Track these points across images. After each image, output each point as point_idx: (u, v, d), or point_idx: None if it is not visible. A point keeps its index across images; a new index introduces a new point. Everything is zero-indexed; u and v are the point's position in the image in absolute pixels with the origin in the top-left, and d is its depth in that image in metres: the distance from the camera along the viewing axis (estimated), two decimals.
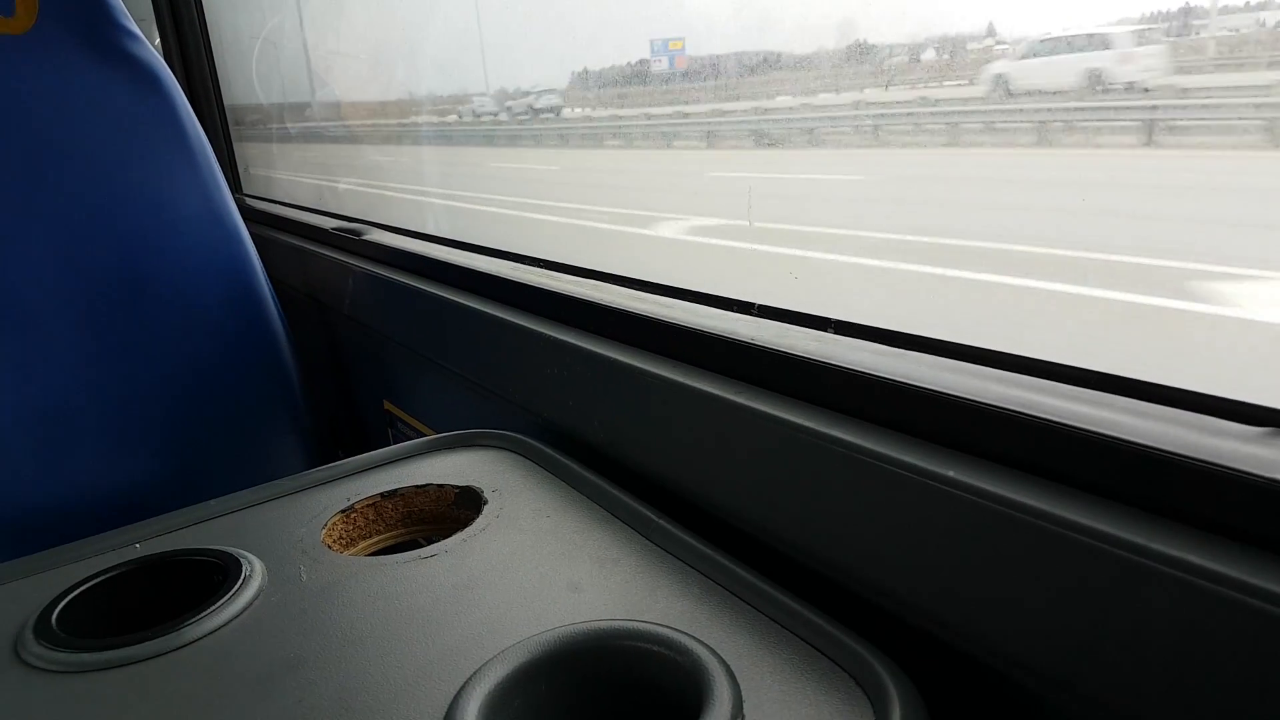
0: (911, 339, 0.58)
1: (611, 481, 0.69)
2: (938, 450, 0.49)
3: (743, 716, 0.42)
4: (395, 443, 0.85)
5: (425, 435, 1.13)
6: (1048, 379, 0.48)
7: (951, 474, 0.46)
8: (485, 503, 0.69)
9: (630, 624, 0.49)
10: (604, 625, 0.49)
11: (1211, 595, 0.35)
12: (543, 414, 0.85)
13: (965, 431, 0.48)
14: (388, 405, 1.25)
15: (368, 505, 0.72)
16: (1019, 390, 0.48)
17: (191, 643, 0.54)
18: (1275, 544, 0.36)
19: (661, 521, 0.62)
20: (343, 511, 0.71)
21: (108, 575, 0.63)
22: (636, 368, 0.70)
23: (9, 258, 1.20)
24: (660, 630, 0.48)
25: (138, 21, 1.30)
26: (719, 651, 0.46)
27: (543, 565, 0.59)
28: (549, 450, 0.76)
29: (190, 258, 1.30)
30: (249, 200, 1.83)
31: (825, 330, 0.64)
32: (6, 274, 1.20)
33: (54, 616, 0.58)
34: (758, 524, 0.60)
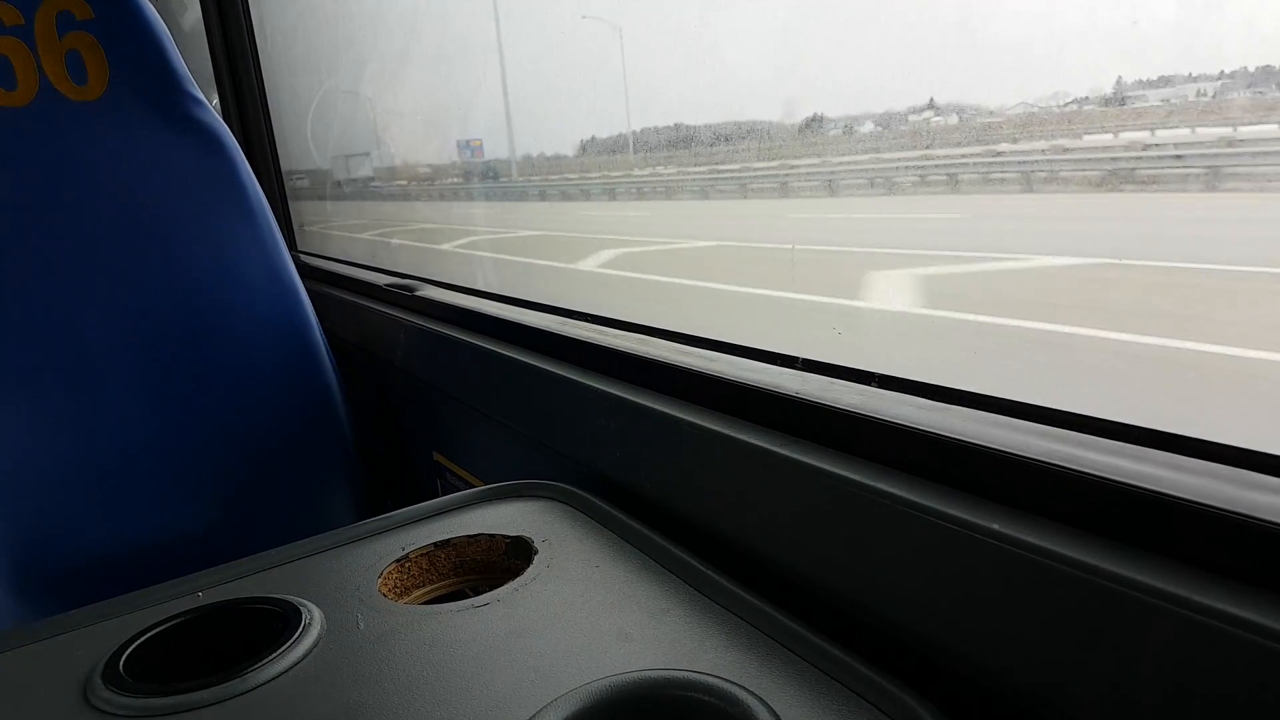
0: (954, 393, 0.59)
1: (660, 532, 0.70)
2: (982, 503, 0.50)
3: None
4: (444, 493, 0.87)
5: (474, 486, 1.15)
6: (1089, 433, 0.49)
7: (996, 527, 0.47)
8: (536, 553, 0.71)
9: (680, 673, 0.50)
10: (654, 674, 0.50)
11: (1252, 646, 0.35)
12: (591, 466, 0.87)
13: (1009, 485, 0.49)
14: (437, 456, 1.28)
15: (421, 555, 0.74)
16: (1061, 445, 0.48)
17: (254, 689, 0.56)
18: None
19: (710, 572, 0.63)
20: (398, 561, 0.73)
21: (172, 622, 0.66)
22: (684, 420, 0.72)
23: (76, 314, 1.26)
24: (710, 680, 0.49)
25: (199, 84, 1.38)
26: (769, 701, 0.46)
27: (593, 615, 0.60)
28: (598, 501, 0.78)
29: (248, 313, 1.35)
30: (304, 257, 1.89)
31: (869, 384, 0.65)
32: (72, 329, 1.26)
33: (121, 662, 0.60)
34: (805, 575, 0.61)
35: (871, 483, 0.55)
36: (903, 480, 0.54)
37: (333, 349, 1.43)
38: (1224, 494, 0.40)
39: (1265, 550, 0.38)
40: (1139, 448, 0.46)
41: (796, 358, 0.72)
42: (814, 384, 0.66)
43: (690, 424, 0.71)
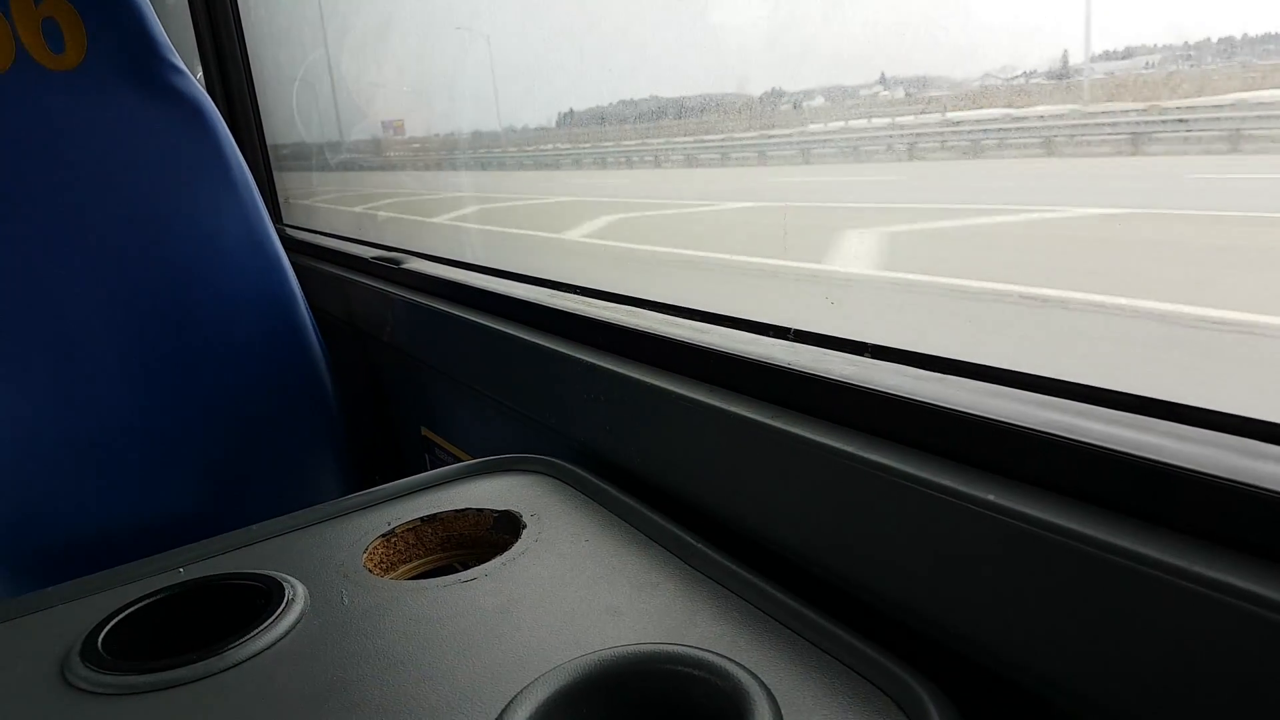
0: (949, 363, 0.58)
1: (649, 505, 0.69)
2: (977, 474, 0.49)
3: None
4: (432, 468, 0.86)
5: (461, 459, 1.14)
6: (1088, 403, 0.48)
7: (992, 498, 0.46)
8: (524, 527, 0.70)
9: (670, 648, 0.49)
10: (644, 649, 0.49)
11: (1253, 617, 0.35)
12: (580, 439, 0.86)
13: (1005, 455, 0.48)
14: (425, 431, 1.26)
15: (408, 530, 0.73)
16: (1059, 414, 0.47)
17: (236, 665, 0.55)
18: None
19: (700, 545, 0.62)
20: (383, 536, 0.72)
21: (153, 599, 0.64)
22: (673, 392, 0.71)
23: (56, 288, 1.24)
24: (701, 654, 0.48)
25: (182, 55, 1.35)
26: (760, 675, 0.46)
27: (582, 589, 0.59)
28: (586, 475, 0.77)
29: (233, 287, 1.33)
30: (289, 230, 1.87)
31: (862, 354, 0.64)
32: (54, 304, 1.24)
33: (100, 640, 0.59)
34: (796, 548, 0.60)
35: (865, 454, 0.54)
36: (897, 452, 0.53)
37: (319, 323, 1.41)
38: (1228, 463, 0.39)
39: (1270, 521, 0.37)
40: (1140, 417, 0.45)
41: (788, 329, 0.71)
42: (806, 355, 0.65)
43: (681, 396, 0.70)
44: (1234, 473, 0.39)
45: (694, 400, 0.68)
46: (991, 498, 0.46)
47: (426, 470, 0.84)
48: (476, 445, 1.13)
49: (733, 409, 0.65)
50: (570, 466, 0.79)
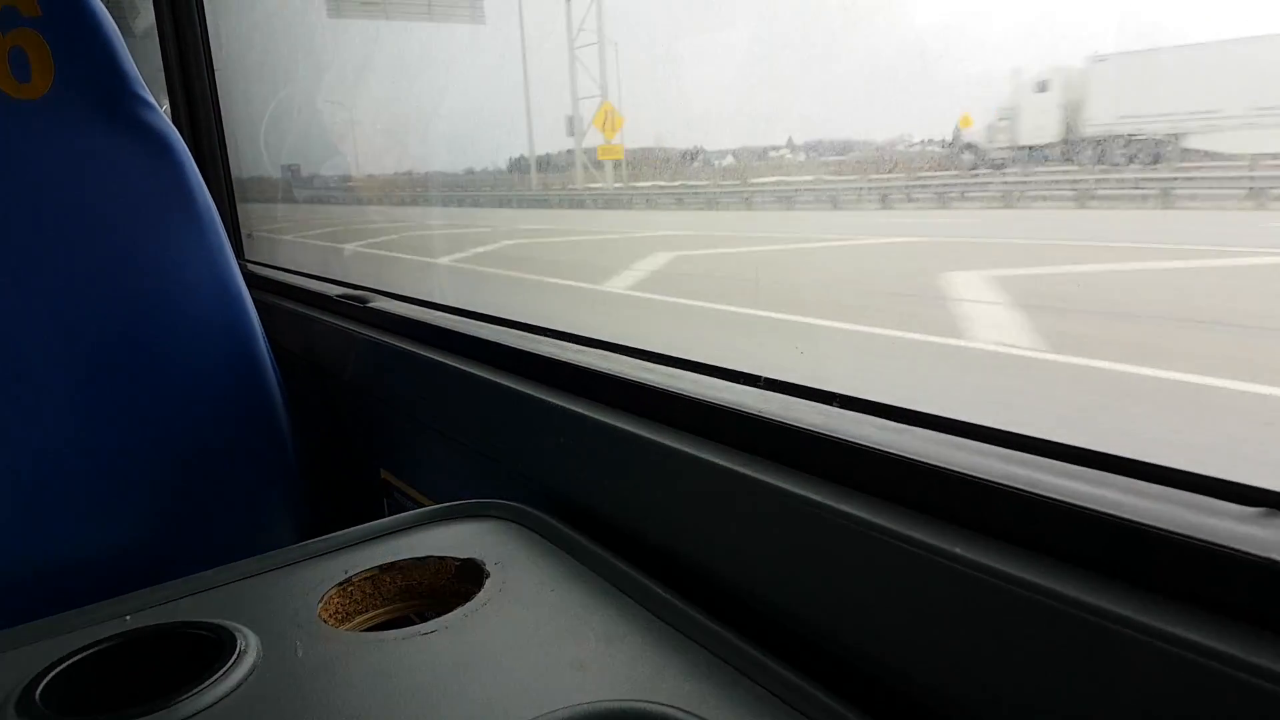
0: (914, 414, 0.59)
1: (617, 554, 0.68)
2: (943, 526, 0.49)
3: None
4: (392, 513, 0.84)
5: (422, 504, 1.12)
6: (1048, 457, 0.49)
7: (958, 550, 0.46)
8: (487, 576, 0.68)
9: (637, 704, 0.48)
10: (610, 706, 0.48)
11: (1214, 674, 0.35)
12: (547, 484, 0.85)
13: (970, 508, 0.48)
14: (385, 475, 1.24)
15: (365, 578, 0.71)
16: (1021, 468, 0.48)
17: None
18: (1272, 623, 0.36)
19: (669, 596, 0.61)
20: (339, 585, 0.70)
21: (96, 648, 0.62)
22: (643, 438, 0.70)
23: (6, 318, 1.20)
24: (668, 711, 0.47)
25: (151, 87, 1.34)
26: None
27: (546, 642, 0.58)
28: (553, 521, 0.76)
29: (191, 323, 1.30)
30: (252, 266, 1.84)
31: (830, 404, 0.64)
32: (3, 331, 1.20)
33: (38, 692, 0.56)
34: (766, 599, 0.60)
35: (834, 504, 0.54)
36: (864, 502, 0.53)
37: (280, 361, 1.39)
38: (1184, 520, 0.40)
39: (1226, 577, 0.38)
40: (1098, 472, 0.46)
41: (759, 376, 0.71)
42: (776, 403, 0.65)
43: (650, 442, 0.70)
44: (1189, 528, 0.39)
45: (665, 446, 0.68)
46: (958, 550, 0.46)
47: (385, 514, 0.83)
48: (439, 489, 1.11)
49: (704, 456, 0.64)
50: (536, 513, 0.78)
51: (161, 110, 1.33)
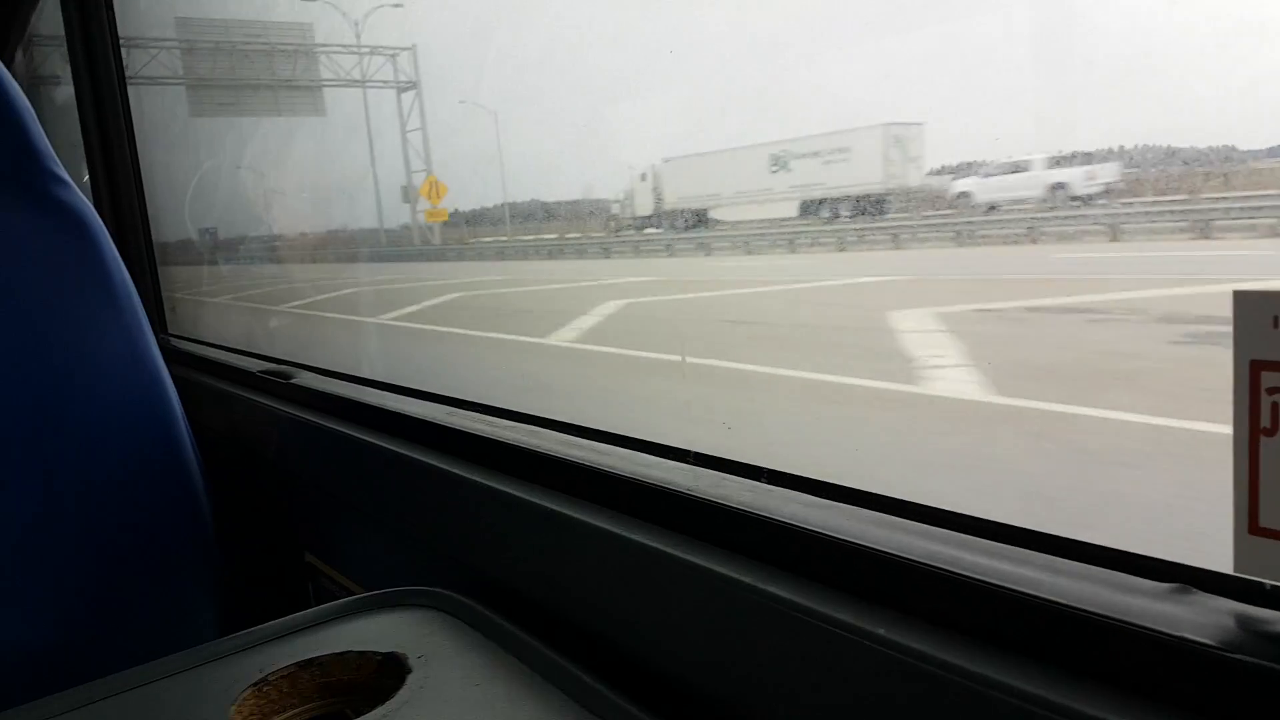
0: (842, 490, 0.59)
1: (546, 642, 0.67)
2: (868, 607, 0.49)
3: None
4: (317, 599, 0.81)
5: (349, 590, 1.08)
6: (970, 534, 0.49)
7: (882, 632, 0.46)
8: (409, 671, 0.66)
9: None
10: None
11: None
12: (476, 568, 0.82)
13: (894, 588, 0.48)
14: (310, 559, 1.20)
15: (282, 677, 0.68)
16: (944, 546, 0.48)
17: None
18: (1185, 703, 0.37)
19: (599, 687, 0.60)
20: (255, 685, 0.66)
21: None
22: (573, 518, 0.69)
23: None
24: None
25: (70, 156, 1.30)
26: None
27: None
28: (481, 608, 0.74)
29: (107, 404, 1.25)
30: (174, 341, 1.79)
31: (759, 480, 0.64)
32: None
33: None
34: (699, 685, 0.59)
35: (764, 586, 0.53)
36: (793, 583, 0.53)
37: (201, 441, 1.34)
38: (1102, 599, 0.41)
39: (1143, 657, 0.38)
40: (1018, 549, 0.47)
41: (689, 451, 0.71)
42: (706, 480, 0.65)
43: (580, 522, 0.68)
44: (1104, 608, 0.40)
45: (596, 527, 0.67)
46: (881, 631, 0.46)
47: (310, 600, 0.80)
48: (366, 574, 1.07)
49: (635, 537, 0.64)
50: (464, 600, 0.76)
51: (82, 182, 1.30)
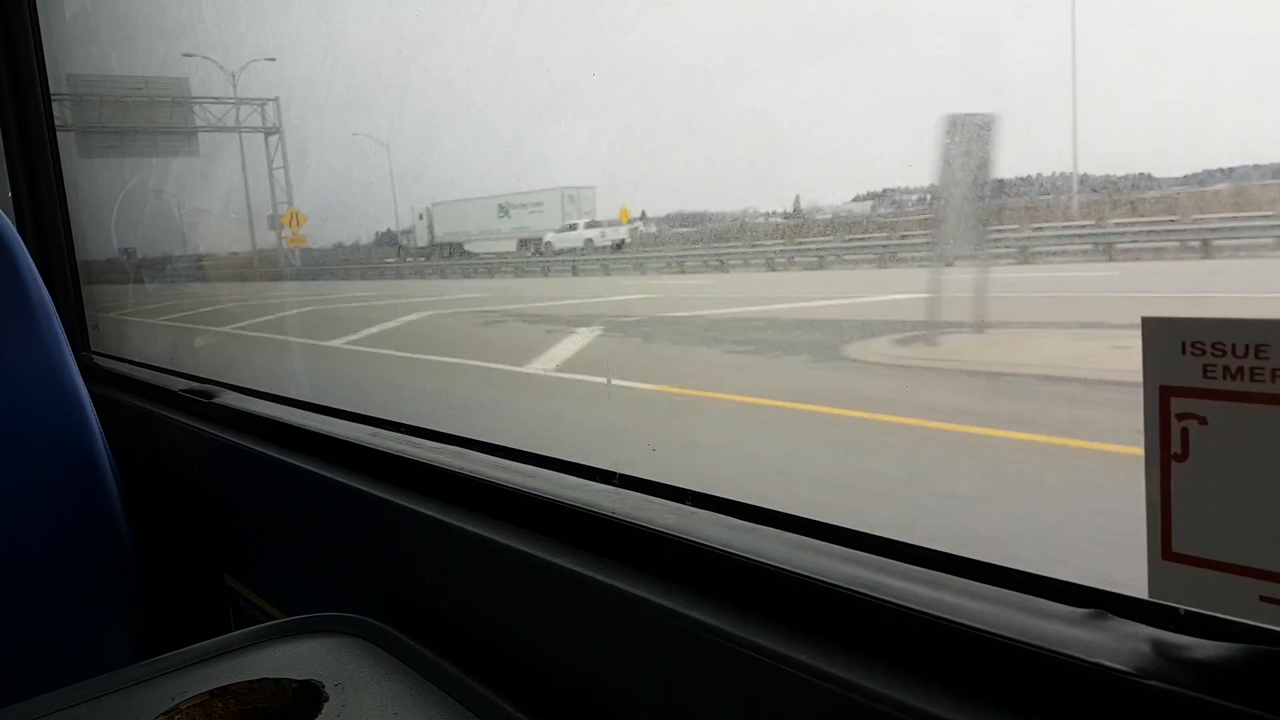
0: (764, 513, 0.58)
1: (468, 669, 0.64)
2: (791, 633, 0.48)
3: None
4: (237, 621, 0.77)
5: (270, 614, 1.04)
6: (891, 558, 0.49)
7: (804, 658, 0.45)
8: (326, 700, 0.63)
9: None
10: None
11: None
12: (398, 592, 0.80)
13: (816, 614, 0.48)
14: (231, 581, 1.15)
15: (194, 705, 0.65)
16: (865, 570, 0.48)
17: None
18: None
19: (519, 715, 0.58)
20: (165, 714, 0.63)
21: None
22: (498, 542, 0.67)
23: None
24: None
25: None
26: None
27: None
28: (401, 635, 0.71)
29: (21, 424, 1.19)
30: (96, 359, 1.72)
31: (683, 502, 0.63)
32: None
33: None
34: (623, 712, 0.57)
35: (688, 611, 0.52)
36: (716, 608, 0.52)
37: (122, 462, 1.28)
38: (1017, 624, 0.40)
39: (1058, 683, 0.38)
40: (938, 574, 0.46)
41: (614, 473, 0.69)
42: (630, 502, 0.64)
43: (505, 547, 0.67)
44: (1019, 633, 0.39)
45: (518, 551, 0.65)
46: (803, 658, 0.45)
47: (231, 624, 0.76)
48: (287, 597, 1.03)
49: (559, 562, 0.62)
50: (383, 626, 0.73)
51: (7, 195, 1.24)
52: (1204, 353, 0.34)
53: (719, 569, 0.54)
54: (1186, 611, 0.38)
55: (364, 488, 0.83)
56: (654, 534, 0.58)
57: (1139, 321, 0.36)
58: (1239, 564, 0.34)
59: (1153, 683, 0.36)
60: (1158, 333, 0.36)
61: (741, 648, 0.48)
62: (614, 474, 0.69)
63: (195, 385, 1.29)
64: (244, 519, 1.11)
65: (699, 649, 0.51)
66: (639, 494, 0.65)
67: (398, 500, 0.79)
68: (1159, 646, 0.38)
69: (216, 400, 1.19)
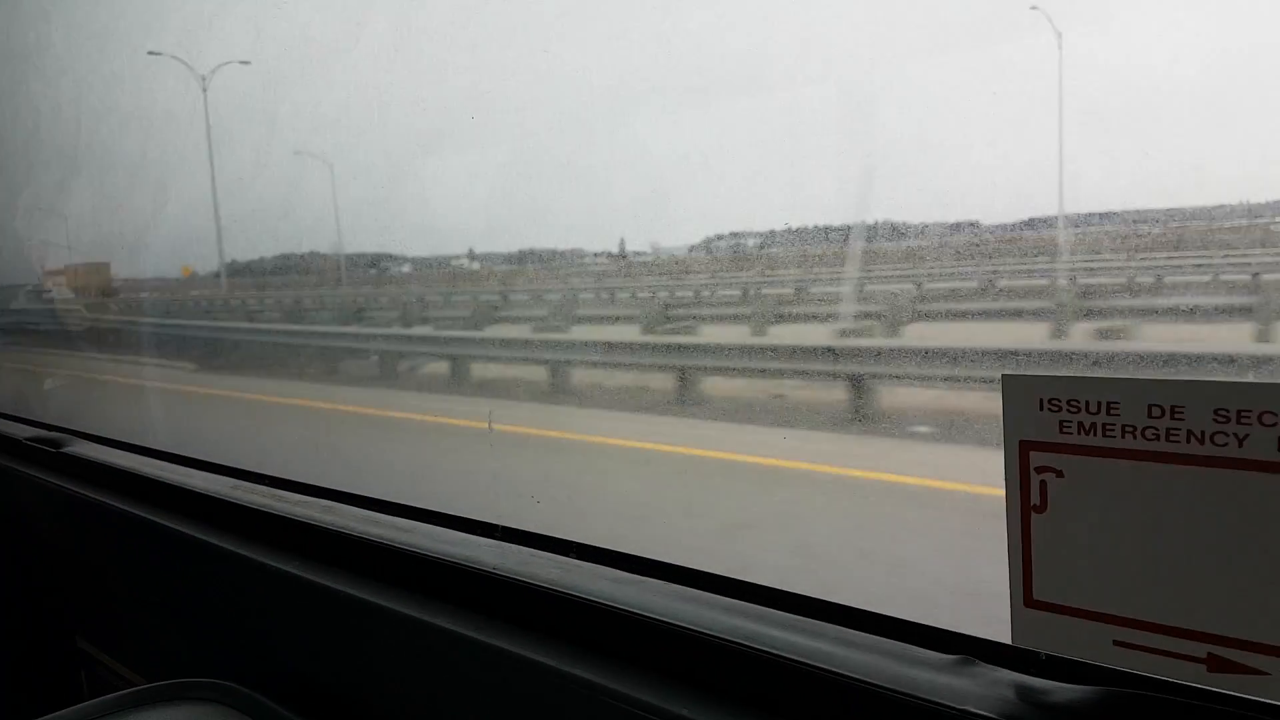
0: (648, 563, 0.58)
1: None
2: (674, 687, 0.48)
3: None
4: (90, 689, 0.71)
5: (128, 680, 0.96)
6: (773, 607, 0.49)
7: (685, 713, 0.45)
8: None
9: None
10: None
11: None
12: (268, 656, 0.75)
13: (698, 667, 0.48)
14: (83, 645, 1.06)
15: None
16: (744, 621, 0.48)
17: None
18: None
19: None
20: None
21: None
22: (371, 602, 0.64)
23: None
24: None
25: None
26: None
27: None
28: (268, 702, 0.67)
29: None
30: None
31: (568, 555, 0.62)
32: None
33: None
34: None
35: (570, 669, 0.51)
36: (599, 664, 0.51)
37: None
38: (889, 672, 0.41)
39: None
40: (816, 622, 0.47)
41: (496, 526, 0.67)
42: (513, 557, 0.62)
43: (379, 607, 0.63)
44: (891, 681, 0.40)
45: (394, 612, 0.62)
46: (685, 713, 0.45)
47: (84, 690, 0.70)
48: (147, 662, 0.95)
49: (438, 622, 0.59)
50: (249, 692, 0.68)
51: None
52: (1060, 409, 0.36)
53: (605, 625, 0.53)
54: (1047, 656, 0.40)
55: (226, 545, 0.78)
56: (538, 590, 0.57)
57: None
58: (1095, 610, 0.36)
59: None
60: (1017, 390, 0.37)
61: (622, 703, 0.47)
62: (496, 527, 0.67)
63: (41, 433, 1.19)
64: (99, 579, 1.03)
65: (585, 710, 0.50)
66: (522, 547, 0.64)
67: (262, 559, 0.74)
68: (1022, 692, 0.39)
69: (66, 450, 1.10)
